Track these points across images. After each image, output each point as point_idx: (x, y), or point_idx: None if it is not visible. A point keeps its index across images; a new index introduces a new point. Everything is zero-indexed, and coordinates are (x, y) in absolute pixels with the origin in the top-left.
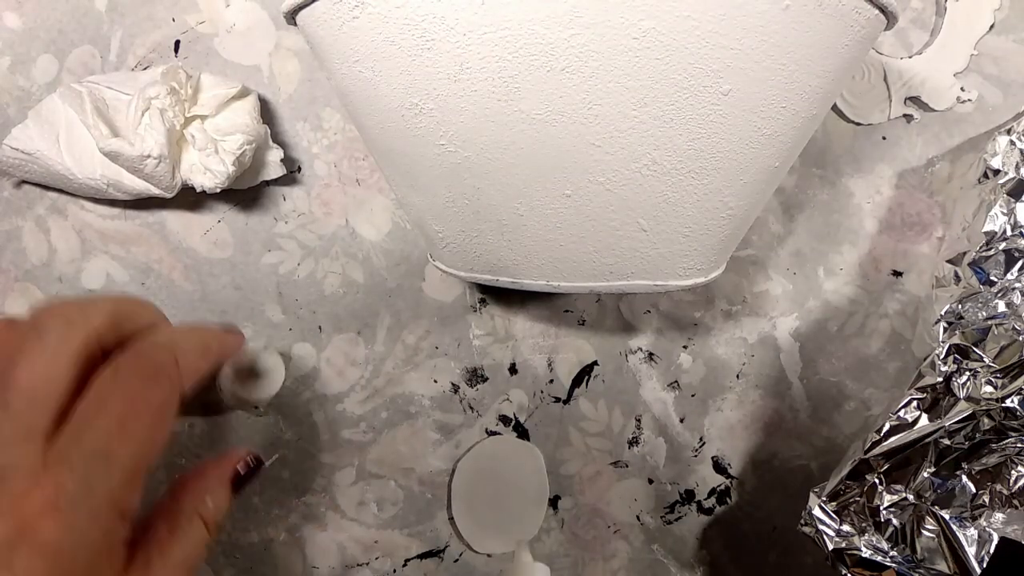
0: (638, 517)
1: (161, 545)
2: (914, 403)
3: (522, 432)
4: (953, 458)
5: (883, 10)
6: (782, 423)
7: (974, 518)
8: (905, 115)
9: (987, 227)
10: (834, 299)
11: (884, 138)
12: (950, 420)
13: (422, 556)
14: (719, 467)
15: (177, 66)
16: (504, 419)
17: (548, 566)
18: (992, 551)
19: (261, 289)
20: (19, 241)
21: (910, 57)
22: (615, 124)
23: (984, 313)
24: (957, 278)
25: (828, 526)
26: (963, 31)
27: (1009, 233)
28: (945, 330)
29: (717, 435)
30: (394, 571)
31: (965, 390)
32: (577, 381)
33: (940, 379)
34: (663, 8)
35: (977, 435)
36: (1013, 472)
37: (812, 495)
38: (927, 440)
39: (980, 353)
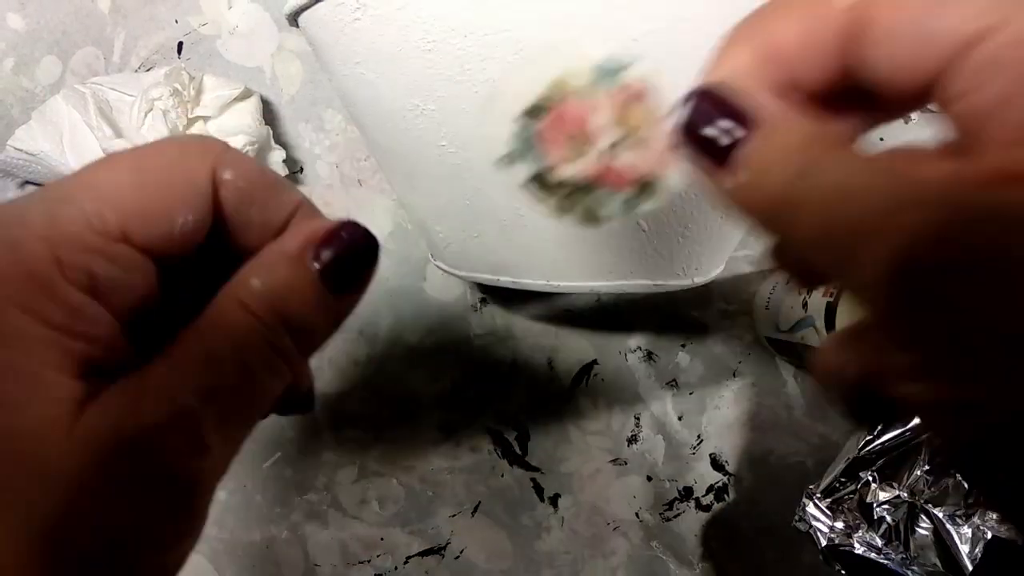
0: (637, 514)
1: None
2: None
3: (522, 431)
4: None
5: None
6: (778, 420)
7: (968, 516)
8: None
9: None
10: None
11: (882, 139)
12: None
13: (423, 554)
14: (717, 464)
15: (180, 67)
16: (505, 418)
17: (549, 566)
18: (985, 550)
19: None
20: None
21: None
22: None
23: None
24: None
25: (822, 523)
26: None
27: None
28: None
29: (715, 432)
30: (395, 568)
31: None
32: (577, 380)
33: None
34: (663, 10)
35: None
36: None
37: (806, 492)
38: (921, 438)
39: None
